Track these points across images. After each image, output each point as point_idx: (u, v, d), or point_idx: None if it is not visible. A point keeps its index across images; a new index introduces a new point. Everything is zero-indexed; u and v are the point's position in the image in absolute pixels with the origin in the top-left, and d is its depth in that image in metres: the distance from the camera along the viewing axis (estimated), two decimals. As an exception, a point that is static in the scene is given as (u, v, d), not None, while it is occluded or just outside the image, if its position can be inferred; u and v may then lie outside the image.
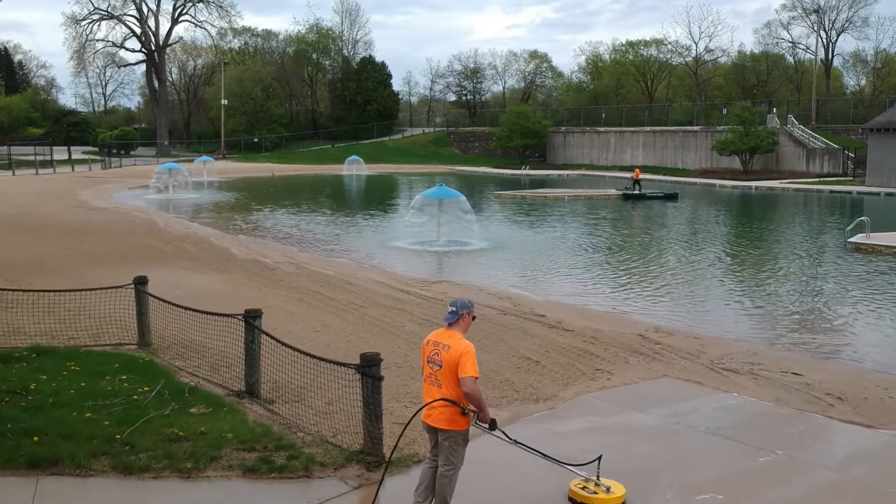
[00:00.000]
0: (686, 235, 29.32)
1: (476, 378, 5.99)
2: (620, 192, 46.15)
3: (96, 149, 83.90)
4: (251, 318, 8.92)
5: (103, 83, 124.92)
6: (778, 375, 11.07)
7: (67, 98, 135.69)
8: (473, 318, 6.36)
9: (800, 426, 9.01)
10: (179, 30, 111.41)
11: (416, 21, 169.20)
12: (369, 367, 7.26)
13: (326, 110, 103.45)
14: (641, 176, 50.53)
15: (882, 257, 23.37)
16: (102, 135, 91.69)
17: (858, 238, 25.46)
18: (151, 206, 37.89)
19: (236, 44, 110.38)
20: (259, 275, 18.23)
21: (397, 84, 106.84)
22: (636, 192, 45.85)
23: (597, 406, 9.53)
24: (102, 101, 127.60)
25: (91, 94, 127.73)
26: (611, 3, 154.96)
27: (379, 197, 48.93)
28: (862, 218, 26.41)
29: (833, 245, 26.23)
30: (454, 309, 6.22)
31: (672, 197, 45.94)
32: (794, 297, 17.55)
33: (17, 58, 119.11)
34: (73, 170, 63.72)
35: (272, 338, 8.77)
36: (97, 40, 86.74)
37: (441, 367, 6.09)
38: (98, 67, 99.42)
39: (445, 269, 21.09)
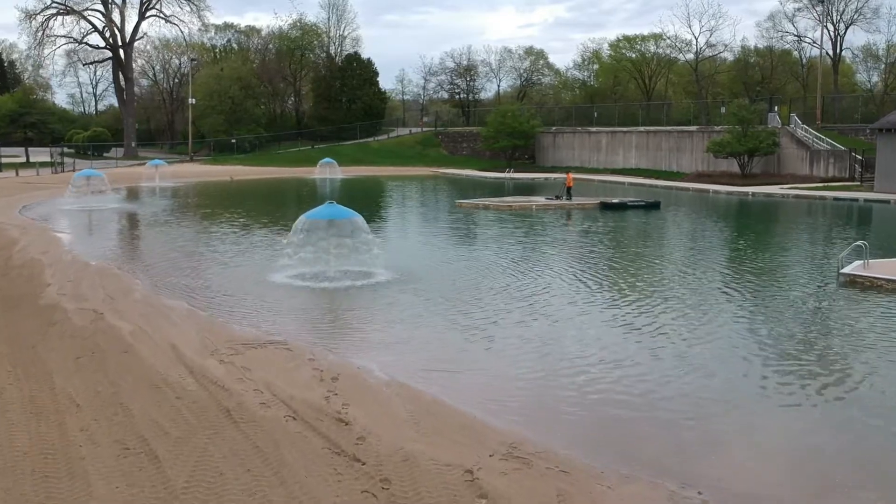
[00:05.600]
0: (646, 260, 24.23)
1: None
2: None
3: (71, 150, 79.63)
4: None
5: (94, 82, 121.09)
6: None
7: (61, 98, 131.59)
8: None
9: None
10: (146, 26, 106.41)
11: (431, 21, 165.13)
12: None
13: (310, 110, 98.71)
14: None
15: (882, 295, 18.15)
16: (77, 136, 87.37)
17: (854, 268, 20.24)
18: (51, 220, 33.31)
19: (219, 41, 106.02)
20: (15, 336, 13.36)
21: (393, 83, 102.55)
22: (566, 199, 40.98)
23: None
24: (93, 102, 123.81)
25: (81, 93, 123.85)
26: (625, 2, 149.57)
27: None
28: (859, 242, 21.15)
29: (823, 275, 21.11)
30: None
31: (654, 206, 40.95)
32: (735, 377, 12.40)
33: (12, 56, 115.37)
34: (17, 174, 59.30)
35: None
36: (57, 36, 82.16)
37: None
38: (60, 66, 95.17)
39: (300, 319, 16.08)
